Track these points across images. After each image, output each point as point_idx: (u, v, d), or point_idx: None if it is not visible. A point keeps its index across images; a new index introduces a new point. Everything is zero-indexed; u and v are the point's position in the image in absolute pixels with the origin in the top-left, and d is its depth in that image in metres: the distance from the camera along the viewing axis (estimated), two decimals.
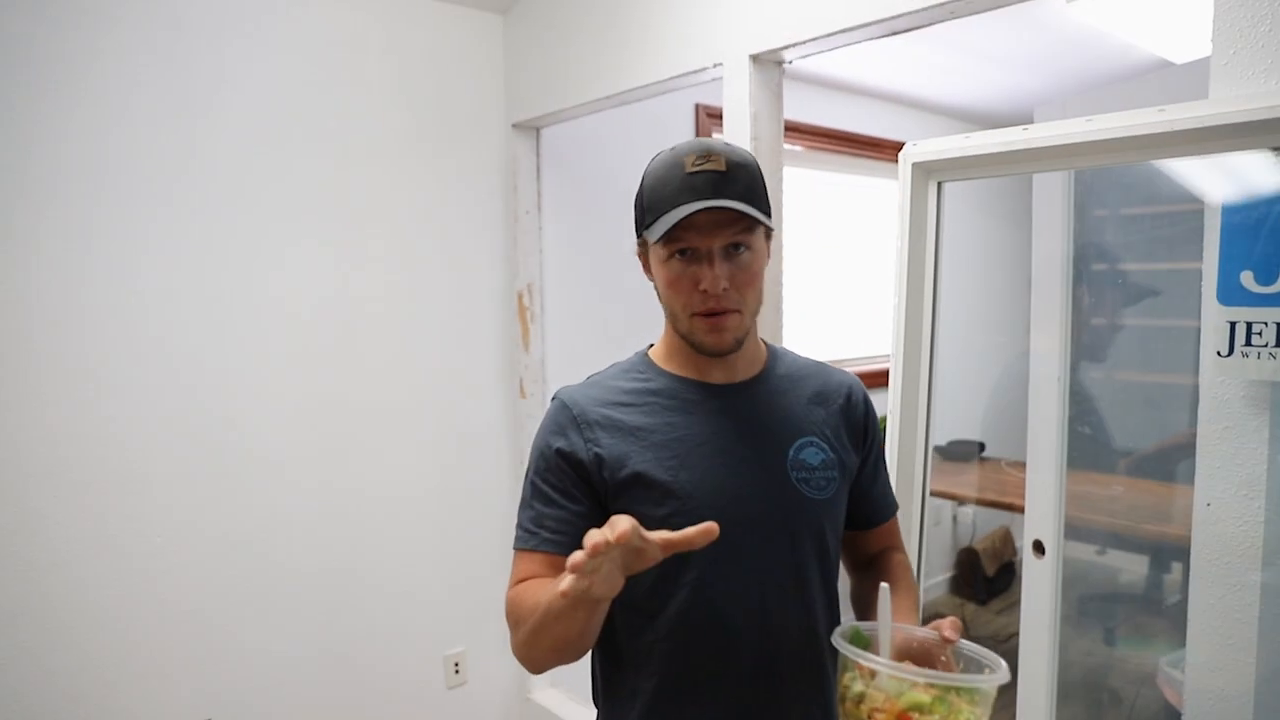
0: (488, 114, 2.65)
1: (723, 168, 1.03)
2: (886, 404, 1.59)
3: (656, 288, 1.12)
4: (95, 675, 2.05)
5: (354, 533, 2.43)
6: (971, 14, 1.60)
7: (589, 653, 1.10)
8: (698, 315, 1.05)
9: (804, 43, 1.84)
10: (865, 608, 1.14)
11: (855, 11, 1.71)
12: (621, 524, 0.82)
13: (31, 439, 1.96)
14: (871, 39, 1.81)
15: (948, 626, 0.97)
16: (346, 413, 2.40)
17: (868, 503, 1.21)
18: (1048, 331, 2.01)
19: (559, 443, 1.08)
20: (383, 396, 2.44)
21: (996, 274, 4.20)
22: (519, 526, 1.10)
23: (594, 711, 1.19)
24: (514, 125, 2.66)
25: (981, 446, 3.86)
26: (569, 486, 1.07)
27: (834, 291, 3.88)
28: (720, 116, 3.18)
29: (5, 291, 1.91)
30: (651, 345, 1.21)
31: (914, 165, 1.52)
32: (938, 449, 3.83)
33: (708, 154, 1.04)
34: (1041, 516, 2.04)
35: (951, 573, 4.32)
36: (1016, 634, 3.70)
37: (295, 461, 2.33)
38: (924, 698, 0.85)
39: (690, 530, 0.85)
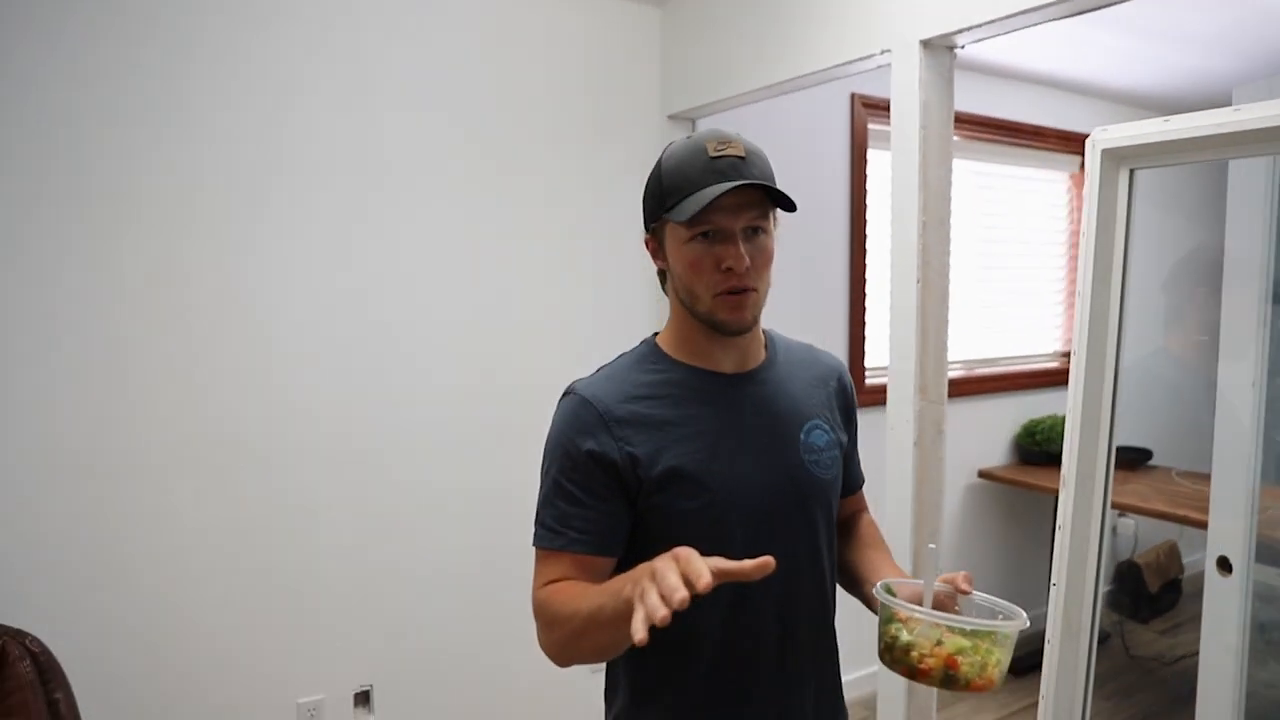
0: (644, 106, 2.69)
1: (742, 154, 1.07)
2: (1064, 404, 1.52)
3: (670, 272, 1.14)
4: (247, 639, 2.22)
5: (502, 524, 2.48)
6: None
7: None
8: (720, 294, 1.08)
9: (980, 26, 1.77)
10: (844, 570, 1.27)
11: None
12: (704, 576, 0.81)
13: (225, 419, 2.14)
14: (1054, 19, 1.72)
15: (962, 579, 1.04)
16: (500, 405, 2.49)
17: (848, 474, 1.29)
18: (1241, 333, 1.86)
19: (588, 444, 1.08)
20: (539, 385, 2.51)
21: (1165, 270, 3.93)
22: (540, 524, 1.10)
23: None
24: (670, 116, 2.68)
25: (1148, 454, 3.62)
26: (597, 486, 1.08)
27: (992, 288, 3.72)
28: (878, 106, 3.13)
29: (188, 282, 2.09)
30: (656, 334, 1.21)
31: (1104, 152, 1.43)
32: None
33: (726, 141, 1.08)
34: (1229, 532, 1.90)
35: (1109, 586, 4.08)
36: (1184, 657, 3.48)
37: (448, 449, 2.44)
38: (966, 643, 0.94)
39: (748, 564, 0.85)
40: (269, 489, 2.20)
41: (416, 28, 2.32)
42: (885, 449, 1.98)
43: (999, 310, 3.77)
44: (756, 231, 1.10)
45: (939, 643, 0.95)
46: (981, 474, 3.66)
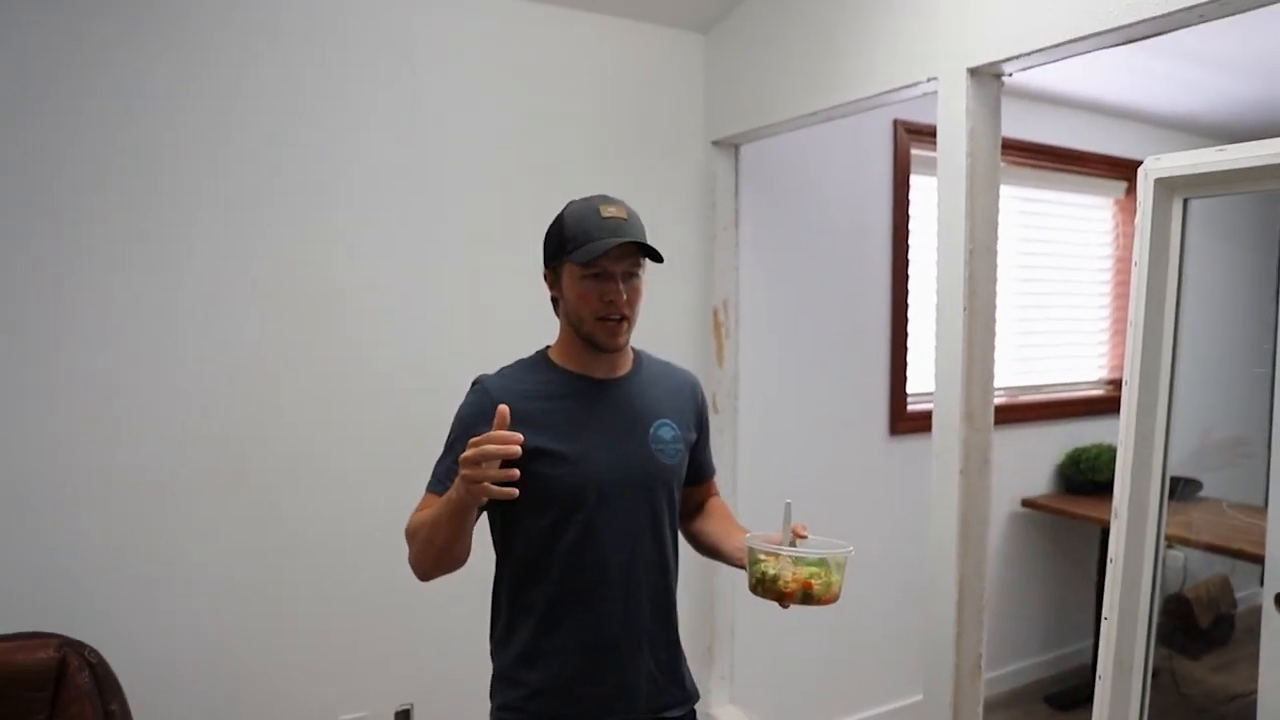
0: (688, 131, 2.71)
1: (625, 216, 1.40)
2: (1110, 432, 1.50)
3: (563, 299, 1.46)
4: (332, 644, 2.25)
5: None
6: (1226, 16, 1.49)
7: (493, 596, 1.52)
8: (600, 320, 1.40)
9: (1028, 54, 1.77)
10: (695, 539, 1.64)
11: (1089, 19, 1.63)
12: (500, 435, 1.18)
13: (279, 439, 2.18)
14: (1105, 48, 1.71)
15: (800, 528, 1.36)
16: None
17: (700, 465, 1.64)
18: None
19: (480, 423, 1.33)
20: None
21: (1219, 298, 3.87)
22: (433, 475, 1.44)
23: None
24: (713, 142, 2.70)
25: (1198, 485, 3.54)
26: None
27: (1035, 314, 3.68)
28: (921, 132, 3.13)
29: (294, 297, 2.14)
30: (549, 347, 1.54)
31: (1157, 181, 1.42)
32: None
33: (612, 204, 1.41)
34: None
35: (1157, 620, 3.98)
36: (1240, 695, 3.38)
37: None
38: (816, 568, 1.28)
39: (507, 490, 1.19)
40: (317, 506, 2.24)
41: (462, 55, 2.37)
42: (930, 476, 1.96)
43: (1042, 337, 3.73)
44: (631, 276, 1.41)
45: (795, 572, 1.28)
46: (1025, 503, 3.60)
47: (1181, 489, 3.51)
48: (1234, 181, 1.36)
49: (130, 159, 2.00)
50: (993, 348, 1.93)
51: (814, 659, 3.02)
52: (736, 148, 2.74)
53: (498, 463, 1.17)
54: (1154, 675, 3.59)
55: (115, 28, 1.97)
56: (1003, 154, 3.31)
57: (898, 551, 3.12)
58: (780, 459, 2.89)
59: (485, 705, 2.42)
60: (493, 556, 1.51)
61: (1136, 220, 1.45)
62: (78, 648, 1.54)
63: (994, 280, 1.93)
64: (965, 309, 1.88)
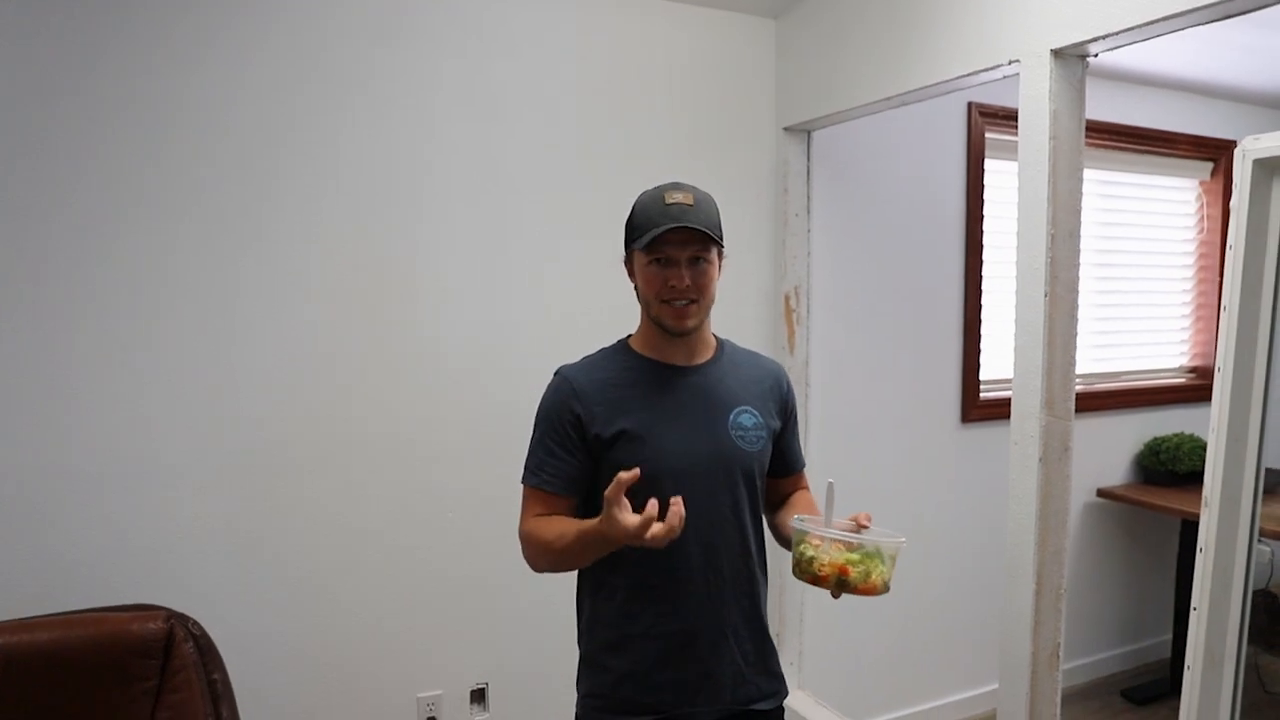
0: (759, 117, 2.71)
1: (691, 202, 1.41)
2: (1191, 422, 1.46)
3: (637, 287, 1.48)
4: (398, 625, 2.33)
5: None
6: None
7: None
8: (664, 303, 1.42)
9: (1115, 34, 1.73)
10: (777, 530, 1.60)
11: None
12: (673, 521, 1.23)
13: (364, 421, 2.26)
14: (1197, 25, 1.66)
15: (863, 517, 1.34)
16: None
17: (785, 457, 1.62)
18: None
19: (565, 411, 1.44)
20: None
21: None
22: (526, 468, 1.49)
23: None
24: (785, 129, 2.69)
25: None
26: (568, 443, 1.44)
27: (1114, 300, 3.59)
28: (996, 115, 3.07)
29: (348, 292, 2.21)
30: (630, 335, 1.56)
31: (1255, 162, 1.38)
32: None
33: (679, 190, 1.42)
34: None
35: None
36: None
37: None
38: (854, 556, 1.25)
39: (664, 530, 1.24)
40: (402, 487, 2.31)
41: (537, 41, 2.40)
42: (1008, 464, 1.94)
43: (1121, 323, 3.63)
44: (698, 260, 1.42)
45: (834, 556, 1.25)
46: (1101, 493, 3.52)
47: (1273, 480, 3.39)
48: None
49: (194, 142, 2.06)
50: (1075, 333, 1.90)
51: (885, 646, 3.00)
52: (808, 133, 2.73)
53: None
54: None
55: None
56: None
57: (970, 540, 3.09)
58: (850, 447, 2.88)
59: (559, 684, 2.48)
60: None
61: (1232, 202, 1.41)
62: (183, 620, 1.62)
63: (1076, 265, 1.90)
64: (1046, 294, 1.85)
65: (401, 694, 2.35)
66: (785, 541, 1.57)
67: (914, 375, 3.04)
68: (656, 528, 1.22)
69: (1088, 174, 3.37)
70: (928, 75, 2.17)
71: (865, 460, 2.92)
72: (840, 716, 2.71)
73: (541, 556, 1.43)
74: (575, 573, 1.55)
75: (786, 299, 2.71)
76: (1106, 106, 3.32)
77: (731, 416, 1.48)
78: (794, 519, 1.34)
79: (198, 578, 2.08)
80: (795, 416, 1.64)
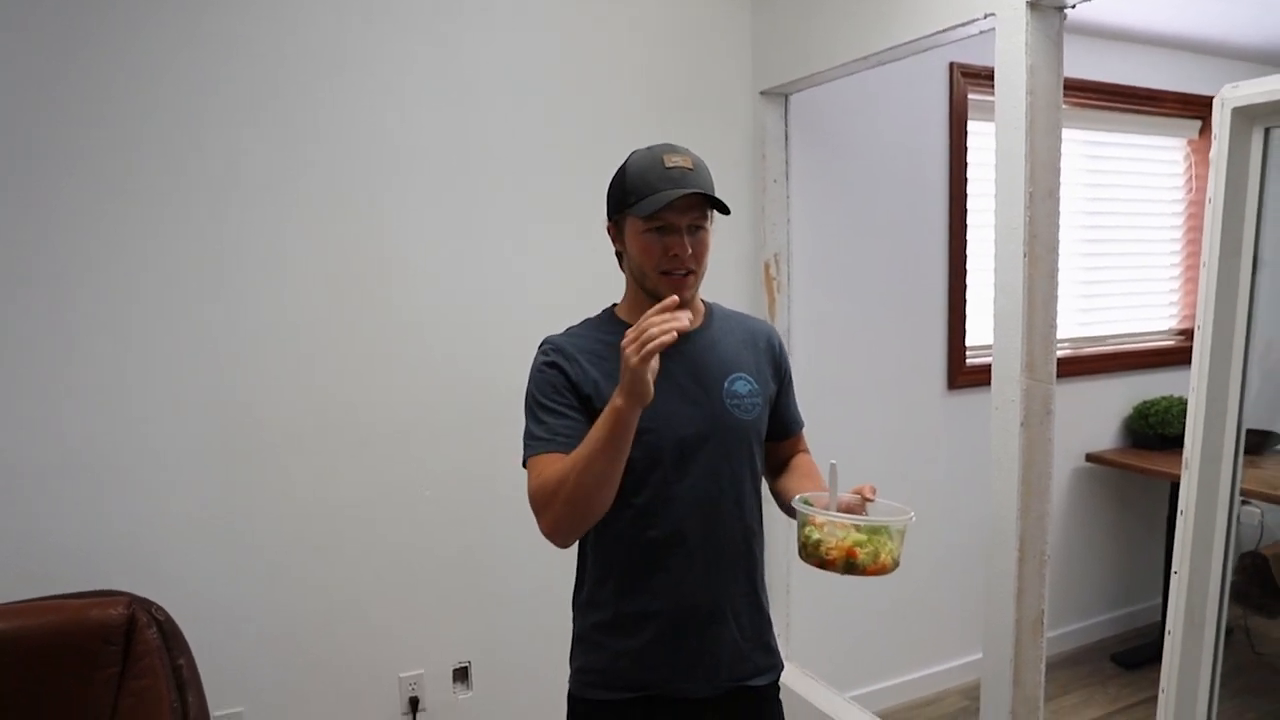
0: (735, 81, 2.64)
1: (690, 165, 1.34)
2: (1180, 385, 1.42)
3: (626, 254, 1.41)
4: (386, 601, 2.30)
5: None
6: None
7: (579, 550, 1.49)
8: (664, 274, 1.34)
9: None
10: (777, 496, 1.54)
11: None
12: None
13: (339, 400, 2.21)
14: None
15: (868, 490, 1.31)
16: None
17: (784, 419, 1.58)
18: None
19: (564, 373, 1.37)
20: None
21: None
22: (531, 438, 1.36)
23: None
24: (762, 92, 2.63)
25: (1278, 437, 3.39)
26: (573, 401, 1.36)
27: (1101, 263, 3.54)
28: (978, 75, 3.01)
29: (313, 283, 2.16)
30: (615, 305, 1.49)
31: (1234, 111, 1.34)
32: None
33: (678, 153, 1.35)
34: None
35: (1232, 578, 3.85)
36: None
37: None
38: (862, 536, 1.20)
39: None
40: (378, 466, 2.27)
41: (505, 9, 2.33)
42: (990, 430, 1.90)
43: (1109, 286, 3.59)
44: (697, 229, 1.35)
45: (840, 538, 1.19)
46: (1090, 457, 3.50)
47: (1258, 441, 3.37)
48: None
49: (168, 128, 2.01)
50: (1055, 295, 1.85)
51: (871, 616, 2.99)
52: (786, 97, 2.66)
53: (660, 337, 1.15)
54: (1227, 634, 3.49)
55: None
56: (1065, 95, 3.18)
57: (956, 507, 3.06)
58: (835, 415, 2.84)
59: (543, 660, 2.47)
60: None
61: (1211, 154, 1.37)
62: (145, 605, 1.59)
63: (1056, 225, 1.85)
64: (1025, 255, 1.81)
65: (382, 674, 2.33)
66: (787, 509, 1.51)
67: (899, 342, 3.01)
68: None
69: (1073, 134, 3.35)
70: (904, 32, 2.11)
71: (850, 429, 2.89)
72: (828, 687, 2.70)
73: (564, 490, 1.27)
74: (575, 551, 1.49)
75: (766, 267, 2.66)
76: (1091, 64, 3.26)
77: (726, 384, 1.43)
78: (796, 499, 1.30)
79: (172, 562, 2.05)
80: (790, 377, 1.60)
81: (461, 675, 2.43)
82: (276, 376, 2.15)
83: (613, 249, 1.45)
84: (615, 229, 1.42)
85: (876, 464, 2.94)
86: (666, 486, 1.38)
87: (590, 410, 1.35)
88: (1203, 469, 1.37)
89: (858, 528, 1.20)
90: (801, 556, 1.26)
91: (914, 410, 3.06)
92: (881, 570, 1.20)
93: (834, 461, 1.30)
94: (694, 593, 1.40)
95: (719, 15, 2.61)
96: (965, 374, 3.12)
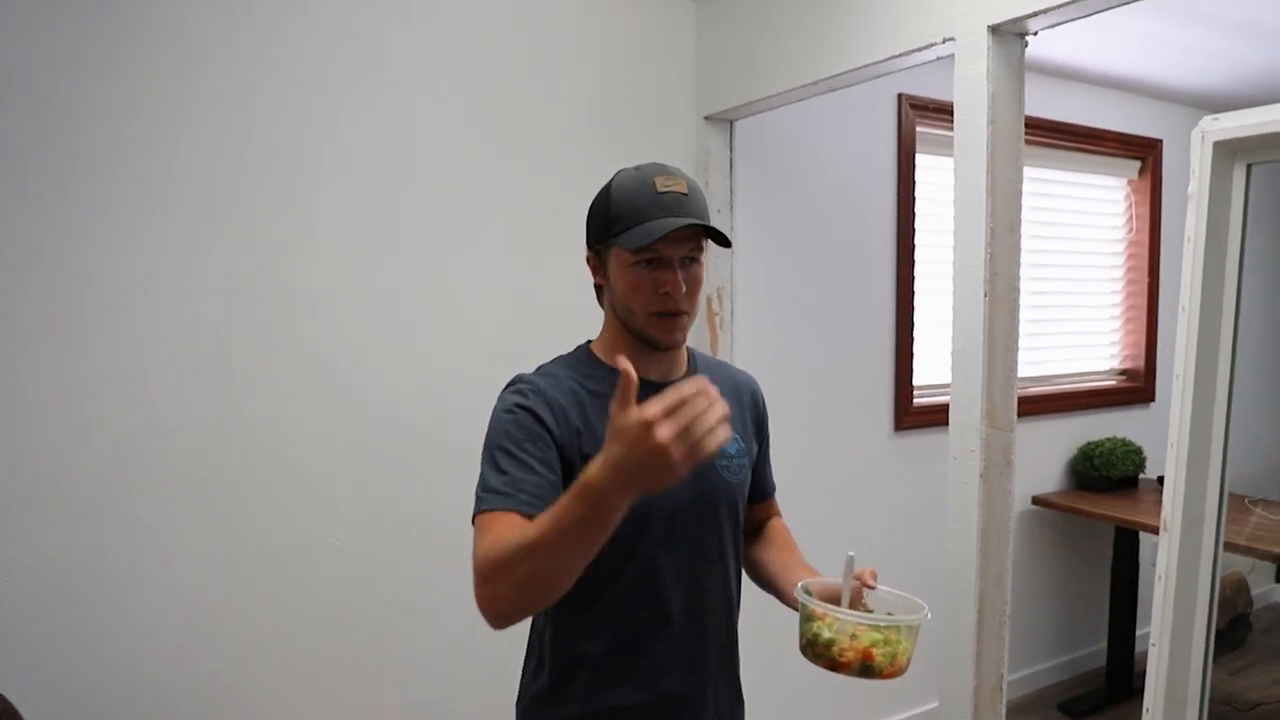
0: (679, 106, 2.51)
1: (685, 190, 1.18)
2: (1123, 425, 1.31)
3: (609, 289, 1.24)
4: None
5: None
6: None
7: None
8: (654, 315, 1.18)
9: (1056, 7, 1.58)
10: (752, 567, 1.40)
11: None
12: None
13: (246, 440, 1.98)
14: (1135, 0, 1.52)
15: (869, 575, 1.20)
16: None
17: (760, 481, 1.44)
18: None
19: (542, 420, 1.15)
20: None
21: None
22: (487, 489, 1.11)
23: None
24: (706, 118, 2.50)
25: None
26: (548, 457, 1.14)
27: (1044, 302, 3.50)
28: (927, 107, 2.93)
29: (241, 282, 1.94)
30: (590, 343, 1.31)
31: (1216, 145, 1.24)
32: (1160, 480, 3.38)
33: (671, 176, 1.19)
34: None
35: None
36: (1261, 704, 3.21)
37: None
38: (879, 636, 1.07)
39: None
40: (283, 512, 2.04)
41: (439, 21, 2.16)
42: (947, 479, 1.78)
43: (1053, 326, 3.54)
44: (692, 261, 1.19)
45: (854, 637, 1.07)
46: (1036, 500, 3.43)
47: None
48: None
49: (92, 150, 1.80)
50: (1016, 336, 1.74)
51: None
52: (731, 123, 2.54)
53: (707, 425, 0.87)
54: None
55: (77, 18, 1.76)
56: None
57: (904, 551, 2.94)
58: (779, 456, 2.67)
59: None
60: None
61: (1190, 189, 1.26)
62: None
63: (1017, 262, 1.74)
64: (986, 294, 1.69)
65: None
66: (763, 583, 1.38)
67: (844, 381, 2.89)
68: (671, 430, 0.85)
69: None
70: (856, 57, 2.00)
71: (795, 471, 2.73)
72: None
73: (512, 568, 0.99)
74: (522, 632, 1.26)
75: (709, 301, 2.51)
76: (1036, 101, 3.21)
77: None
78: (798, 589, 1.15)
79: (15, 634, 1.76)
80: (768, 436, 1.45)
81: None
82: (165, 407, 1.90)
83: (590, 280, 1.27)
84: (596, 260, 1.25)
85: (822, 507, 2.80)
86: (652, 561, 1.20)
87: (565, 464, 1.15)
88: (1184, 531, 1.25)
89: (875, 627, 1.07)
90: (807, 655, 1.12)
91: (860, 452, 2.94)
92: (897, 673, 1.08)
93: (851, 553, 1.18)
94: (678, 679, 1.24)
95: (663, 37, 2.48)
96: (913, 415, 3.01)
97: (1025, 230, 3.27)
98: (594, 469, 0.90)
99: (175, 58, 1.88)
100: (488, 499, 1.11)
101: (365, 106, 2.08)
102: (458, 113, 2.20)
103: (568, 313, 2.36)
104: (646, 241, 1.13)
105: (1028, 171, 3.27)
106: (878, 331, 2.96)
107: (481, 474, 1.15)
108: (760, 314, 2.67)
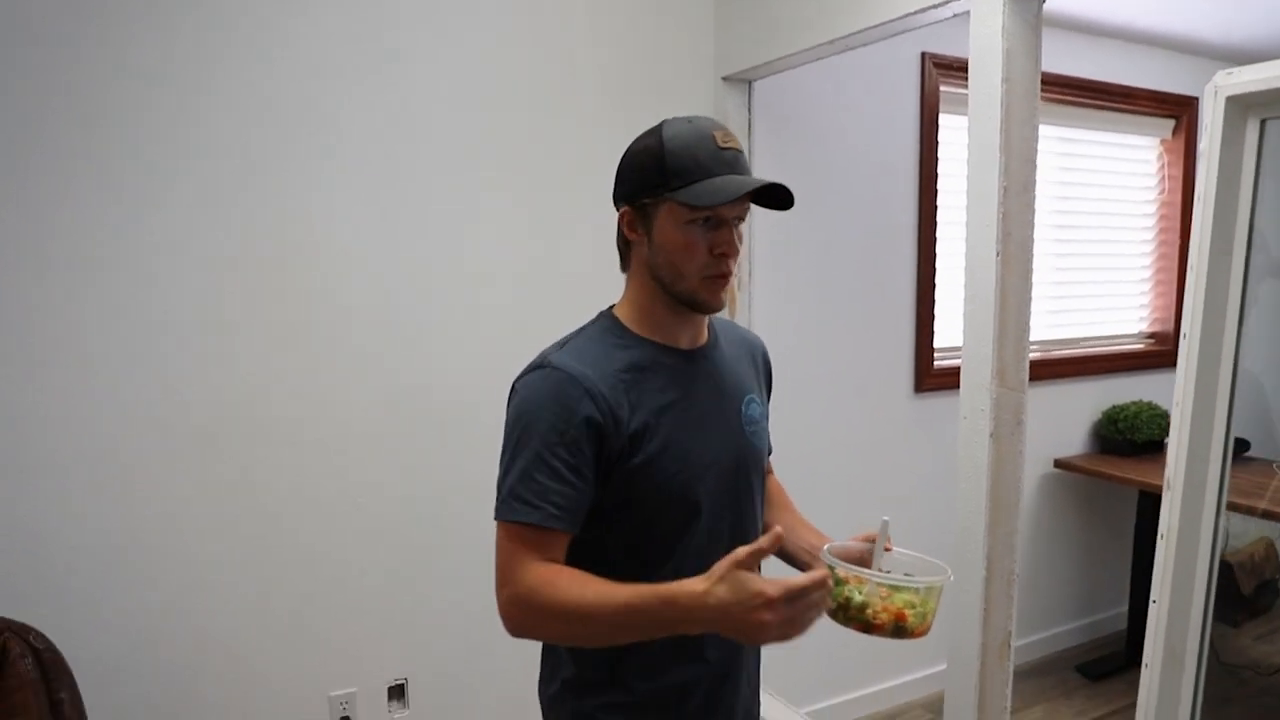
0: (697, 67, 2.50)
1: (740, 148, 1.13)
2: (1150, 389, 1.31)
3: (651, 247, 1.15)
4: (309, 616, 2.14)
5: None
6: None
7: None
8: (707, 277, 1.12)
9: None
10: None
11: None
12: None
13: (260, 403, 2.04)
14: None
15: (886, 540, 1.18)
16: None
17: None
18: None
19: (580, 413, 1.08)
20: None
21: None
22: (513, 495, 1.08)
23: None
24: (724, 78, 2.49)
25: (1246, 445, 3.33)
26: (581, 462, 1.09)
27: (1071, 264, 3.45)
28: (951, 67, 2.89)
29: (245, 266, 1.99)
30: (613, 308, 1.23)
31: (1229, 100, 1.22)
32: None
33: (727, 133, 1.13)
34: None
35: None
36: None
37: (484, 440, 2.31)
38: (913, 597, 1.08)
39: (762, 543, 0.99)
40: (300, 480, 2.10)
41: None
42: (957, 439, 1.79)
43: (1079, 288, 3.50)
44: (739, 223, 1.15)
45: (886, 599, 1.08)
46: (1058, 463, 3.41)
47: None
48: None
49: (103, 135, 1.84)
50: (1029, 297, 1.73)
51: (831, 628, 2.87)
52: (749, 84, 2.53)
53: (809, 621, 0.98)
54: None
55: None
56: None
57: (923, 514, 2.93)
58: (799, 419, 2.72)
59: (484, 677, 2.33)
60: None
61: (1202, 145, 1.25)
62: (21, 632, 1.42)
63: (1031, 223, 1.73)
64: (998, 254, 1.69)
65: (311, 693, 2.17)
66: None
67: (865, 343, 2.89)
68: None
69: (1045, 130, 3.22)
70: (873, 15, 1.98)
71: (815, 434, 2.77)
72: (786, 705, 2.58)
73: (558, 623, 1.06)
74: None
75: None
76: (1063, 58, 3.15)
77: (743, 409, 1.24)
78: (824, 552, 1.15)
79: (56, 581, 1.85)
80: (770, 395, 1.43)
81: (398, 693, 2.28)
82: (185, 377, 1.97)
83: (613, 240, 1.21)
84: (637, 216, 1.16)
85: (842, 470, 2.82)
86: (705, 532, 1.17)
87: (614, 457, 1.11)
88: (1186, 491, 1.25)
89: (907, 588, 1.08)
90: (838, 618, 1.12)
91: (880, 414, 2.95)
92: (925, 632, 1.10)
93: (886, 518, 1.19)
94: (725, 654, 1.22)
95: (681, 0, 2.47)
96: (933, 376, 3.01)
97: (1052, 191, 3.26)
98: (690, 593, 0.95)
99: (187, 41, 1.91)
100: (514, 507, 1.09)
101: (381, 71, 2.11)
102: (472, 76, 2.21)
103: (587, 280, 2.39)
104: (719, 201, 1.07)
105: (1056, 131, 3.25)
106: (899, 293, 2.95)
107: (506, 467, 1.11)
108: (779, 275, 2.67)
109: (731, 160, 1.10)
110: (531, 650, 2.48)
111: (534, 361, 1.16)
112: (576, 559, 1.11)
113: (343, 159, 2.08)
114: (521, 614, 1.07)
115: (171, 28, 1.89)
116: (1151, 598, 1.32)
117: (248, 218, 2.00)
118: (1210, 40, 3.40)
